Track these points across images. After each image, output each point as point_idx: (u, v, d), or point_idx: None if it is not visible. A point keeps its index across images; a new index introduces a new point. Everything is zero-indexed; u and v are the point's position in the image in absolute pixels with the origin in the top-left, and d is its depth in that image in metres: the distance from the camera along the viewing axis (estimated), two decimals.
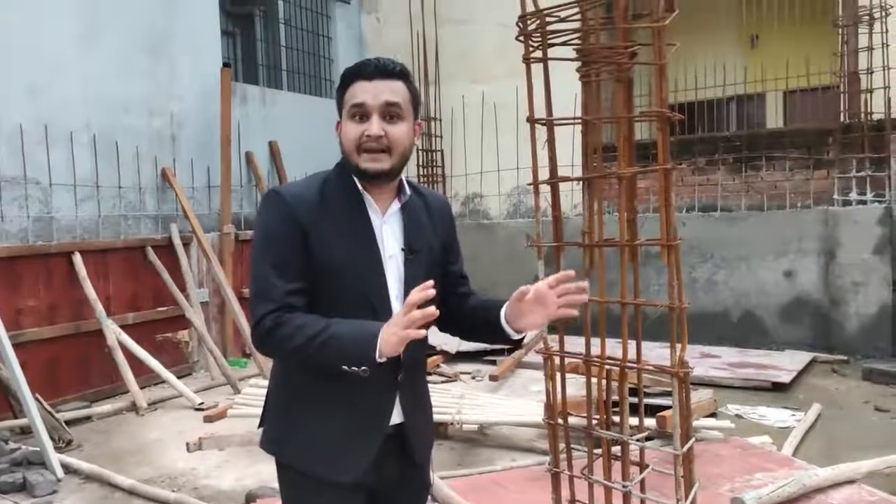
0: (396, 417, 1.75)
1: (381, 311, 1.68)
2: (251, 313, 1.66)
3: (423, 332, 1.54)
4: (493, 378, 5.94)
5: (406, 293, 1.74)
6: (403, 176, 1.80)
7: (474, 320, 1.85)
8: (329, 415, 1.70)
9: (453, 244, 1.92)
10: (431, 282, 1.54)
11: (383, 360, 1.56)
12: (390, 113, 1.66)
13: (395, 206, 1.76)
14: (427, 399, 1.92)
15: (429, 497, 2.04)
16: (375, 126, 1.65)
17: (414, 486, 1.89)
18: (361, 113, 1.66)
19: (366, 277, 1.68)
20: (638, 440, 1.90)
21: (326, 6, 9.12)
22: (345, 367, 1.59)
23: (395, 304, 1.71)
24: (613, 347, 1.85)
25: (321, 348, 1.58)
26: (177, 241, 6.63)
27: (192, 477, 4.17)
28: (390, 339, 1.53)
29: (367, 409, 1.71)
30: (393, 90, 1.67)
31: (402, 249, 1.74)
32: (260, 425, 1.87)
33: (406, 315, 1.51)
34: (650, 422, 3.96)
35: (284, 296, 1.62)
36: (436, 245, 1.83)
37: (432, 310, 1.51)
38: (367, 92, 1.66)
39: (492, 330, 1.78)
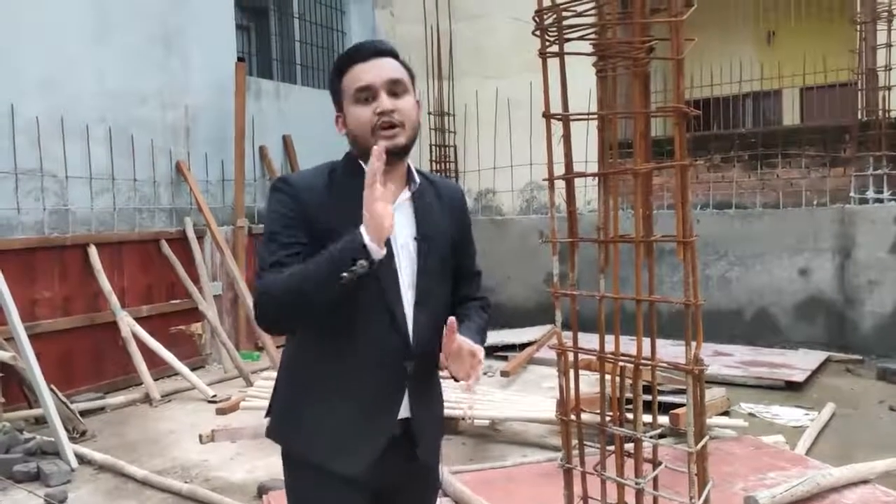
0: (404, 411, 1.69)
1: (393, 298, 1.64)
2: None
3: (384, 190, 1.49)
4: (504, 374, 5.93)
5: (419, 281, 1.68)
6: (413, 166, 1.74)
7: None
8: (337, 404, 1.65)
9: (464, 239, 1.83)
10: (382, 147, 1.50)
11: (379, 248, 1.49)
12: (395, 90, 1.64)
13: (406, 193, 1.70)
14: (437, 397, 1.84)
15: (437, 499, 1.93)
16: (386, 101, 1.61)
17: (421, 486, 1.82)
18: (368, 95, 1.63)
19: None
20: (651, 437, 1.89)
21: (340, 1, 9.13)
22: (343, 275, 1.46)
23: (408, 292, 1.66)
24: (627, 344, 1.84)
25: (312, 273, 1.51)
26: (191, 235, 6.67)
27: (204, 468, 4.20)
28: (367, 223, 1.48)
29: (375, 399, 1.65)
30: (392, 67, 1.66)
31: (415, 238, 1.69)
32: (267, 415, 1.81)
33: (367, 190, 1.48)
34: (664, 419, 3.94)
35: (280, 267, 1.57)
36: (448, 234, 1.76)
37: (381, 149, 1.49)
38: (369, 73, 1.63)
39: None
